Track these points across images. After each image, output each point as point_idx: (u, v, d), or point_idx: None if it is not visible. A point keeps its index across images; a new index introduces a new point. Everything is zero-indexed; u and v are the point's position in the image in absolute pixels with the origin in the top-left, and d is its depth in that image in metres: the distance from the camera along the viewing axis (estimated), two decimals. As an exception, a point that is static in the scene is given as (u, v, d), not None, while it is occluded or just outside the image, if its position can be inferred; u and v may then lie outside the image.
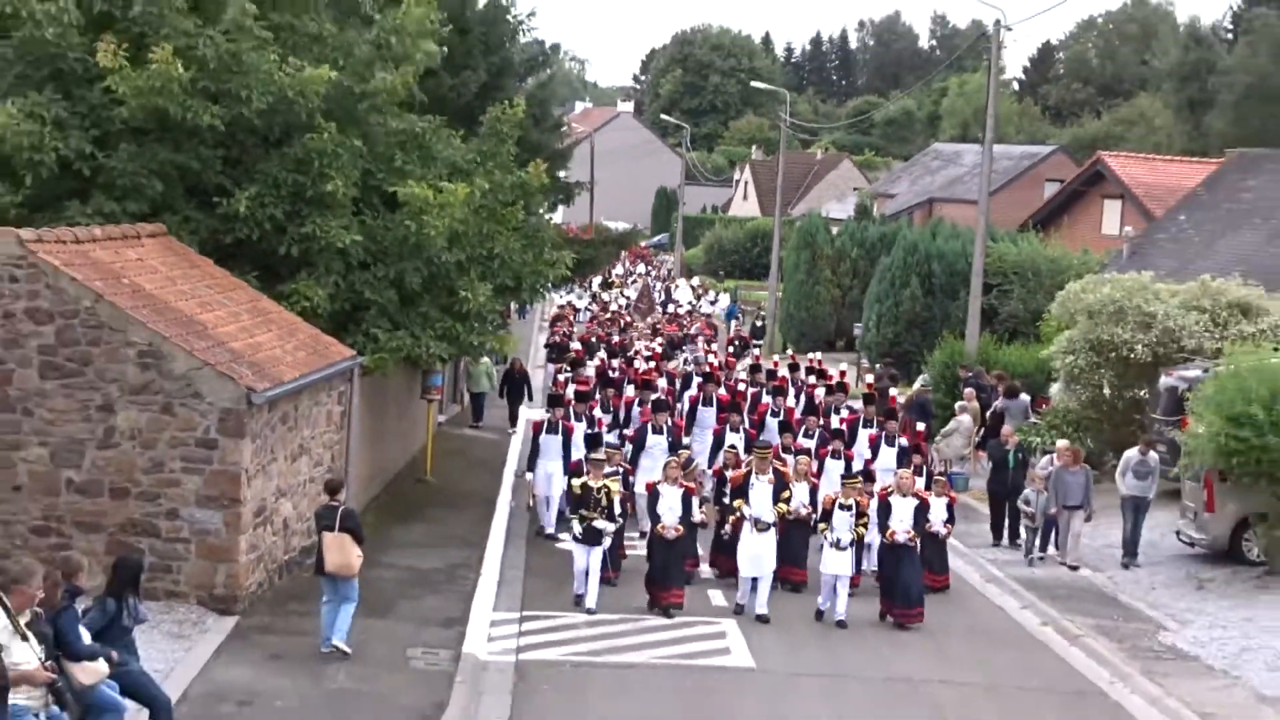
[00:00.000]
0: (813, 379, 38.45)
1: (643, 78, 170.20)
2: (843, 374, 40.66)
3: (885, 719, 19.56)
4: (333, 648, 20.03)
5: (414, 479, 33.63)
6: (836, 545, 23.21)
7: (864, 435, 30.43)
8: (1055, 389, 36.49)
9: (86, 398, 21.76)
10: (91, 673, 14.78)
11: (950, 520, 25.57)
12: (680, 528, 23.42)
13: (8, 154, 24.58)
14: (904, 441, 29.46)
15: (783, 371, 40.36)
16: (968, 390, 38.04)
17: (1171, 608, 25.35)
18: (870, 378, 44.85)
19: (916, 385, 41.79)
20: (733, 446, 27.92)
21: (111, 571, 16.38)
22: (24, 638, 13.55)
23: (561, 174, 43.42)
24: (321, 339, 26.19)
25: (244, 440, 21.83)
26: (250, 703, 18.08)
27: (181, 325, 22.46)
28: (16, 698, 13.55)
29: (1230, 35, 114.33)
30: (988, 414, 36.63)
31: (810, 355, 47.47)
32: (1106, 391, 33.46)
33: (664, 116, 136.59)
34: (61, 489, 21.84)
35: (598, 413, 31.87)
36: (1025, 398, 36.91)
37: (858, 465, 27.85)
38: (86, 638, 14.95)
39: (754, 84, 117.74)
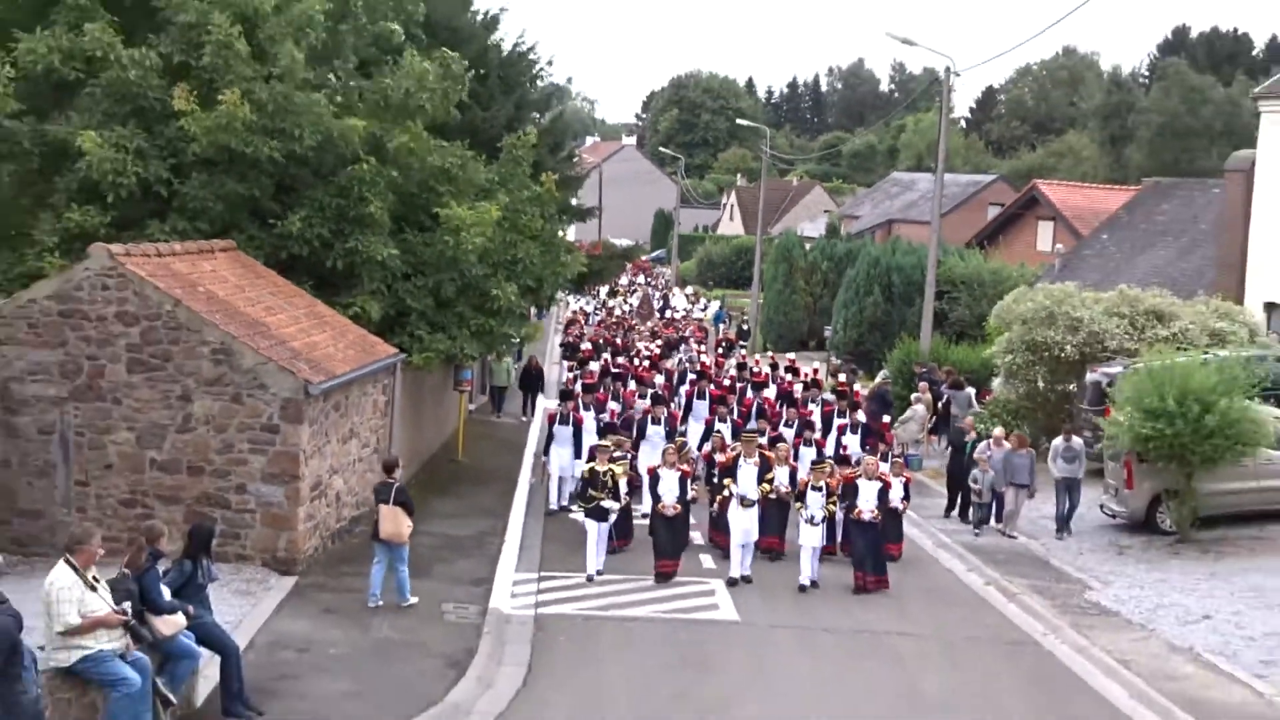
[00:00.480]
0: (789, 375, 38.67)
1: (643, 115, 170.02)
2: (815, 371, 40.95)
3: (852, 665, 19.58)
4: (405, 604, 20.51)
5: (447, 459, 33.63)
6: (810, 521, 23.31)
7: (835, 424, 30.79)
8: (996, 383, 36.60)
9: (167, 389, 21.82)
10: (171, 624, 14.86)
11: (906, 497, 25.70)
12: (678, 506, 23.32)
13: (95, 179, 24.60)
14: (868, 428, 29.87)
15: (764, 369, 40.59)
16: (921, 384, 38.10)
17: (1096, 570, 25.40)
18: (838, 375, 44.80)
19: (878, 379, 41.87)
20: (719, 432, 28.17)
21: (188, 538, 16.43)
22: (92, 588, 13.72)
23: (574, 200, 43.31)
24: (368, 339, 26.26)
25: (302, 425, 21.90)
26: (307, 650, 18.14)
27: (249, 327, 22.53)
28: (100, 642, 13.66)
29: (1146, 80, 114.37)
30: (939, 404, 36.83)
31: (787, 355, 47.76)
32: (1040, 385, 33.55)
33: (661, 149, 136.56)
34: (146, 467, 21.92)
35: (611, 404, 31.95)
36: (970, 390, 36.95)
37: (830, 451, 28.13)
38: (167, 595, 15.03)
39: (739, 121, 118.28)
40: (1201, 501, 26.54)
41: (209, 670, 15.52)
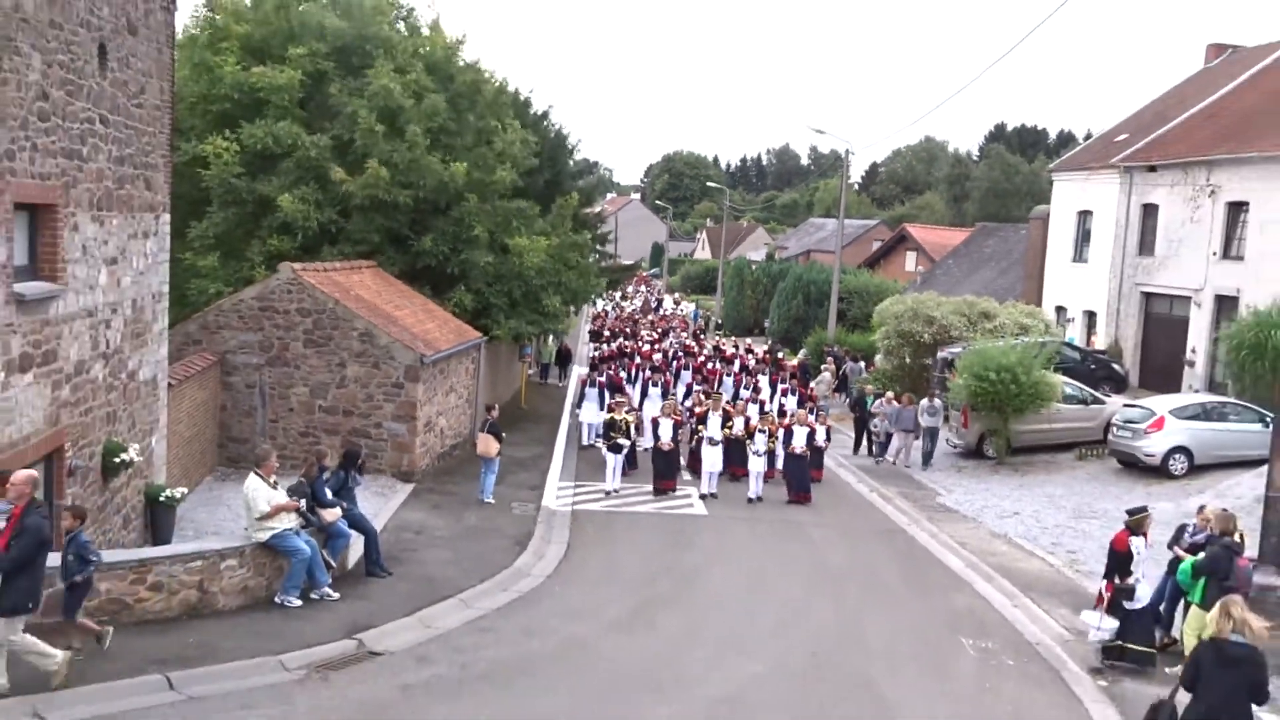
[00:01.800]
0: (748, 355, 38.13)
1: (645, 179, 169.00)
2: (765, 352, 40.47)
3: (781, 545, 19.53)
4: (484, 500, 20.68)
5: (515, 407, 33.56)
6: (756, 454, 23.04)
7: (778, 388, 30.13)
8: (878, 358, 36.45)
9: (329, 358, 21.79)
10: (331, 514, 14.85)
11: (828, 439, 25.29)
12: (671, 444, 22.94)
13: (291, 220, 24.88)
14: (801, 391, 29.74)
15: (729, 350, 40.22)
16: (829, 358, 38.00)
17: (943, 483, 25.36)
18: (770, 351, 44.59)
19: (799, 355, 41.73)
20: (697, 392, 28.18)
21: (342, 457, 16.38)
22: (274, 487, 13.92)
23: (600, 232, 43.20)
24: (463, 327, 26.18)
25: (418, 384, 21.85)
26: (421, 532, 18.12)
27: (383, 318, 22.46)
28: (282, 524, 13.74)
29: (978, 158, 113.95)
30: (840, 371, 36.69)
31: (745, 340, 47.45)
32: (907, 360, 33.39)
33: (657, 202, 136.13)
34: (315, 410, 21.90)
35: (622, 374, 31.60)
36: (861, 363, 36.85)
37: (774, 407, 27.81)
38: (329, 494, 15.02)
39: (708, 184, 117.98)
40: (1013, 437, 26.50)
41: (357, 545, 15.48)
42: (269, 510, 13.67)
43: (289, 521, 13.88)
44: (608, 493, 22.41)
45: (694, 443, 24.65)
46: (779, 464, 24.03)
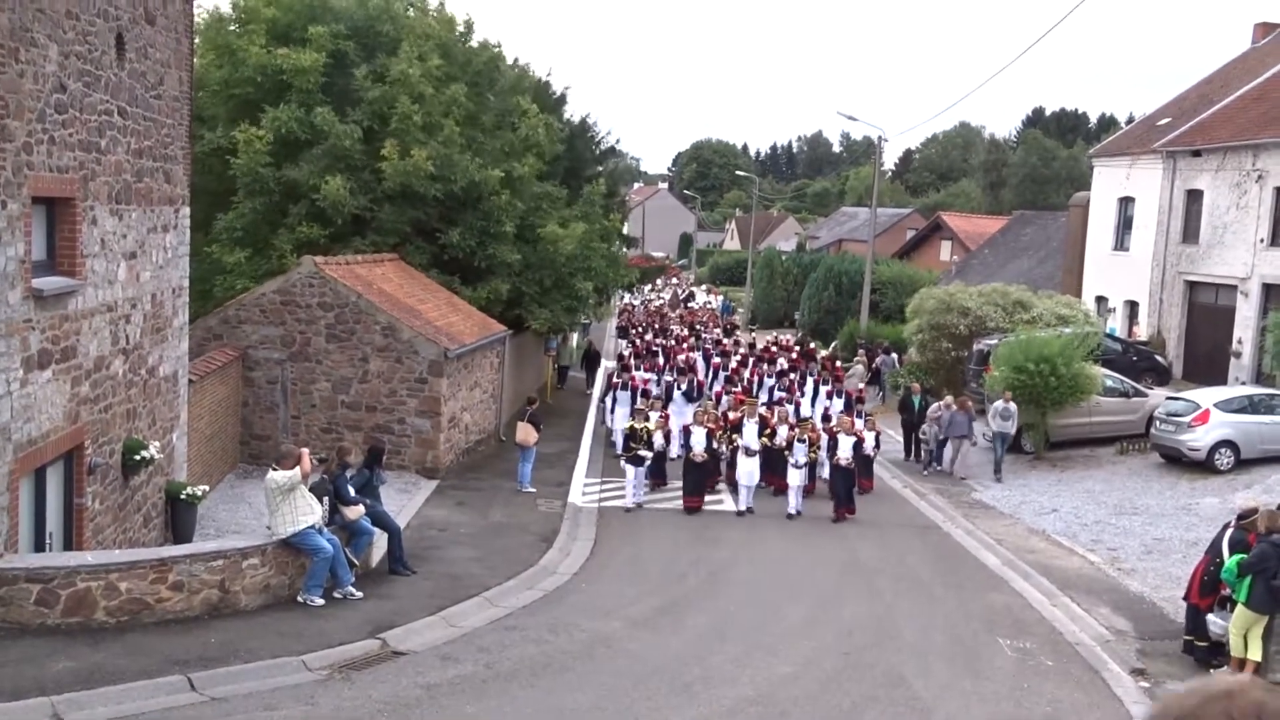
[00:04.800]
0: (795, 352, 35.88)
1: (673, 168, 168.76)
2: (794, 344, 38.27)
3: (812, 541, 19.47)
4: (522, 489, 21.31)
5: (541, 401, 33.41)
6: (795, 465, 21.23)
7: (821, 391, 27.96)
8: (912, 351, 36.19)
9: (353, 353, 21.89)
10: (354, 511, 14.91)
11: (876, 446, 23.46)
12: (705, 455, 21.21)
13: (323, 208, 24.96)
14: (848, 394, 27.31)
15: (767, 346, 37.58)
16: (860, 350, 37.82)
17: (980, 478, 25.19)
18: (800, 343, 44.25)
19: (830, 348, 41.49)
20: (733, 393, 25.98)
21: (366, 453, 16.50)
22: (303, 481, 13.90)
23: (624, 228, 43.02)
24: (488, 320, 26.22)
25: (442, 379, 21.91)
26: (446, 529, 18.18)
27: (406, 312, 22.52)
28: (305, 522, 13.72)
29: (1015, 144, 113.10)
30: (873, 364, 36.49)
31: (783, 336, 45.51)
32: (941, 352, 33.14)
33: (685, 191, 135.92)
34: (338, 406, 22.01)
35: (648, 375, 29.22)
36: (894, 355, 36.62)
37: (818, 412, 25.44)
38: (352, 492, 15.09)
39: (737, 173, 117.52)
40: (1051, 431, 26.25)
41: (380, 543, 15.55)
42: (298, 477, 13.62)
43: (312, 518, 13.95)
44: (628, 509, 20.89)
45: (729, 453, 22.41)
46: (823, 473, 22.36)
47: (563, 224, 28.64)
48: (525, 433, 21.26)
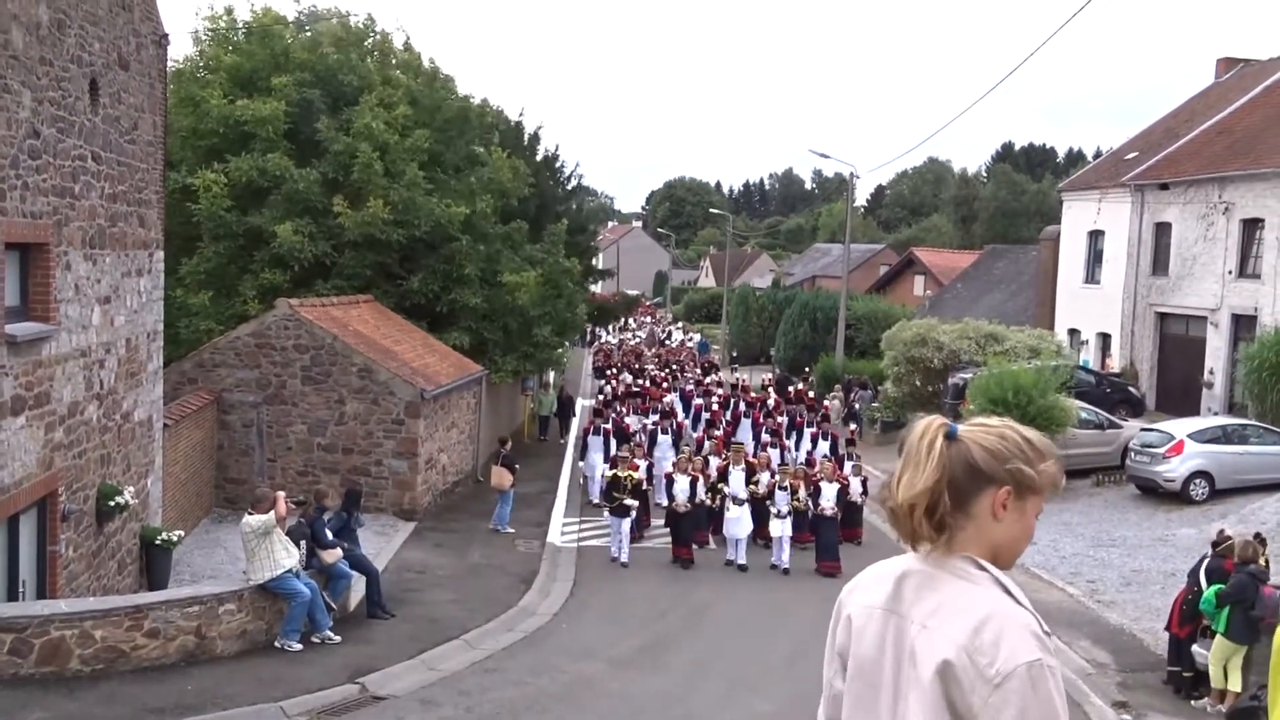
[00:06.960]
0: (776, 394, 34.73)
1: (646, 206, 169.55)
2: (769, 383, 38.30)
3: (789, 583, 19.44)
4: (500, 530, 21.29)
5: (519, 441, 33.34)
6: (778, 514, 20.07)
7: (807, 433, 27.30)
8: (887, 385, 36.40)
9: (329, 395, 21.82)
10: (332, 555, 14.85)
11: (864, 492, 21.82)
12: (690, 505, 20.18)
13: (282, 254, 24.86)
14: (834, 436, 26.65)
15: (751, 390, 37.29)
16: (835, 385, 37.96)
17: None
18: (793, 382, 44.44)
19: (808, 380, 41.68)
20: (715, 438, 24.79)
21: (343, 496, 16.43)
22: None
23: (596, 263, 42.96)
24: (464, 360, 26.21)
25: (419, 419, 21.87)
26: (424, 571, 18.10)
27: (382, 353, 22.50)
28: (282, 567, 13.61)
29: (985, 179, 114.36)
30: (849, 397, 36.66)
31: (765, 377, 44.87)
32: (916, 385, 33.34)
33: (659, 229, 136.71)
34: (314, 448, 21.91)
35: (629, 419, 28.46)
36: (869, 390, 36.82)
37: (801, 456, 25.23)
38: (329, 535, 15.01)
39: (710, 210, 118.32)
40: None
41: (358, 586, 15.45)
42: (273, 521, 13.48)
43: (289, 562, 13.86)
44: (625, 565, 19.75)
45: (716, 503, 21.08)
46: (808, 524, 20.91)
47: (523, 266, 28.37)
48: (499, 477, 21.22)
